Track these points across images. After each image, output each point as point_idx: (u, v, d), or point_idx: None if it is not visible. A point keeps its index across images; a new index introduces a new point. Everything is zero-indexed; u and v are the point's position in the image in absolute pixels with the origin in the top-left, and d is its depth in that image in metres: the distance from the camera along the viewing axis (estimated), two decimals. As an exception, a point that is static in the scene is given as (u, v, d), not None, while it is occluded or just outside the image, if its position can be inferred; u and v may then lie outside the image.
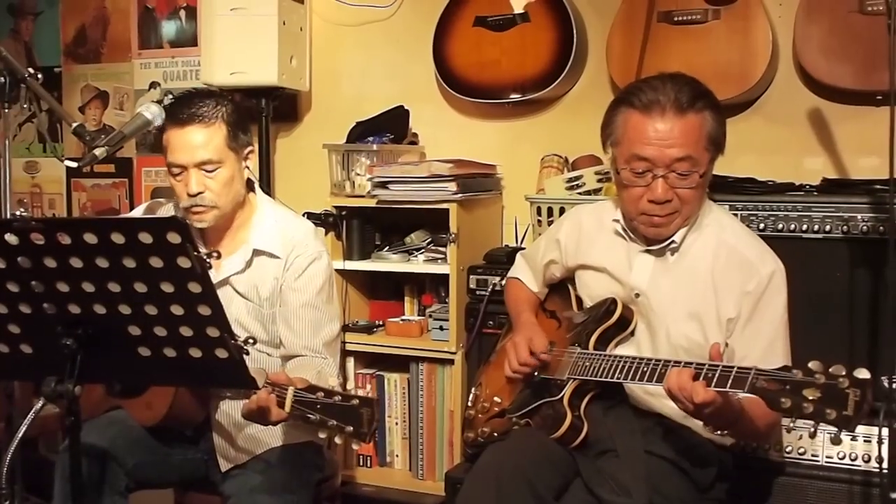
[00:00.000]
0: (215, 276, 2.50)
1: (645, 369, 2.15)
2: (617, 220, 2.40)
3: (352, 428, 2.00)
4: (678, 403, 2.02)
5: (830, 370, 1.79)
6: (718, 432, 2.16)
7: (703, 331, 2.27)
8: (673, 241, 2.30)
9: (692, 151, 2.19)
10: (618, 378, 2.22)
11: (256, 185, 2.69)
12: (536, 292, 2.70)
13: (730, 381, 1.93)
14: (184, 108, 2.48)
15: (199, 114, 2.46)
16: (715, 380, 1.97)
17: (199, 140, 2.45)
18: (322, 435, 2.04)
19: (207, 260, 1.77)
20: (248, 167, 2.59)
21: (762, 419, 2.12)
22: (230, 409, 2.53)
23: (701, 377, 1.98)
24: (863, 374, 1.77)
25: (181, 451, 2.62)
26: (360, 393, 2.06)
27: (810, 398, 1.79)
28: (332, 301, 2.66)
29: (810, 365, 1.82)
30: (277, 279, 2.57)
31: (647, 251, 2.35)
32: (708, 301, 2.27)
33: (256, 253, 2.57)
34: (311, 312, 2.57)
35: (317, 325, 2.57)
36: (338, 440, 2.04)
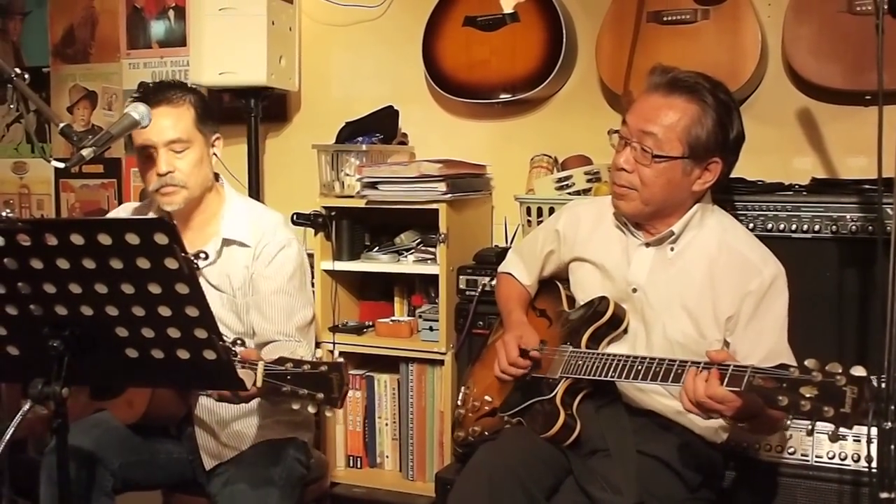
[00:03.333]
0: None
1: (639, 368, 2.15)
2: (617, 215, 2.41)
3: (322, 394, 1.99)
4: (703, 411, 1.99)
5: (827, 368, 1.79)
6: (740, 424, 2.13)
7: (699, 327, 2.27)
8: (671, 232, 2.31)
9: (660, 131, 2.23)
10: (611, 376, 2.22)
11: (223, 178, 2.73)
12: (528, 286, 2.70)
13: (726, 379, 1.94)
14: (154, 91, 2.56)
15: (168, 97, 2.54)
16: None
17: (168, 121, 2.51)
18: (295, 406, 2.03)
19: (195, 261, 1.76)
20: (215, 154, 2.65)
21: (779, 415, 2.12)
22: (211, 405, 2.54)
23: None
24: (859, 371, 1.77)
25: (166, 451, 2.62)
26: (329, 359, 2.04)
27: (807, 396, 1.79)
28: (305, 288, 2.68)
29: (806, 363, 1.82)
30: (248, 268, 2.60)
31: (647, 244, 2.36)
32: (705, 298, 2.28)
33: (226, 242, 2.60)
34: (283, 299, 2.58)
35: (289, 310, 2.58)
36: (311, 409, 2.02)
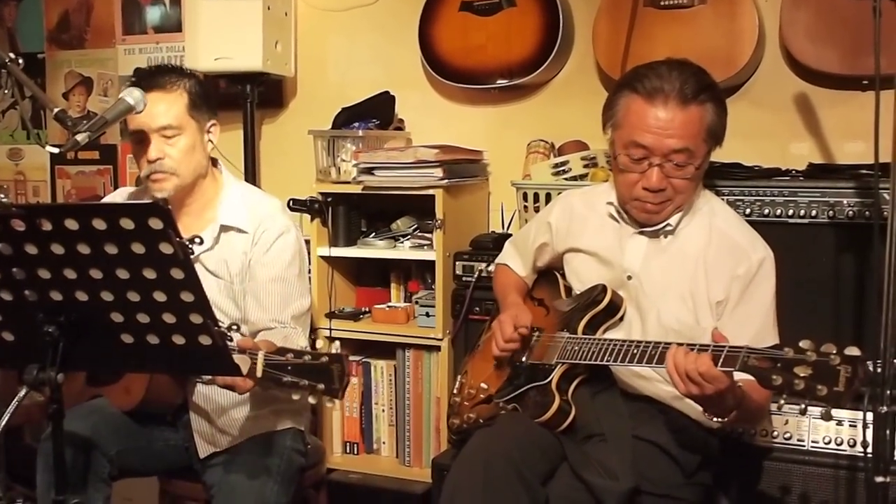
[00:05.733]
0: None
1: (635, 352, 2.15)
2: (611, 203, 2.41)
3: (323, 385, 1.99)
4: (681, 385, 2.00)
5: (821, 348, 1.81)
6: (718, 419, 2.14)
7: (695, 312, 2.28)
8: (668, 224, 2.31)
9: (690, 143, 2.20)
10: (607, 361, 2.22)
11: (221, 164, 2.71)
12: (524, 276, 2.70)
13: (721, 360, 1.94)
14: (147, 76, 2.55)
15: (160, 82, 2.52)
16: None
17: (160, 106, 2.50)
18: (296, 397, 2.03)
19: (190, 246, 1.76)
20: (211, 141, 2.63)
21: (760, 404, 2.13)
22: (208, 392, 2.53)
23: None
24: (853, 351, 1.78)
25: (162, 438, 2.63)
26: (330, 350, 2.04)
27: (801, 375, 1.81)
28: (303, 276, 2.67)
29: (801, 343, 1.83)
30: (246, 254, 2.58)
31: (641, 233, 2.36)
32: (699, 283, 2.28)
33: (224, 229, 2.59)
34: (280, 286, 2.57)
35: (286, 299, 2.57)
36: (311, 400, 2.03)
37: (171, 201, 2.52)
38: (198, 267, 2.51)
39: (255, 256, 2.58)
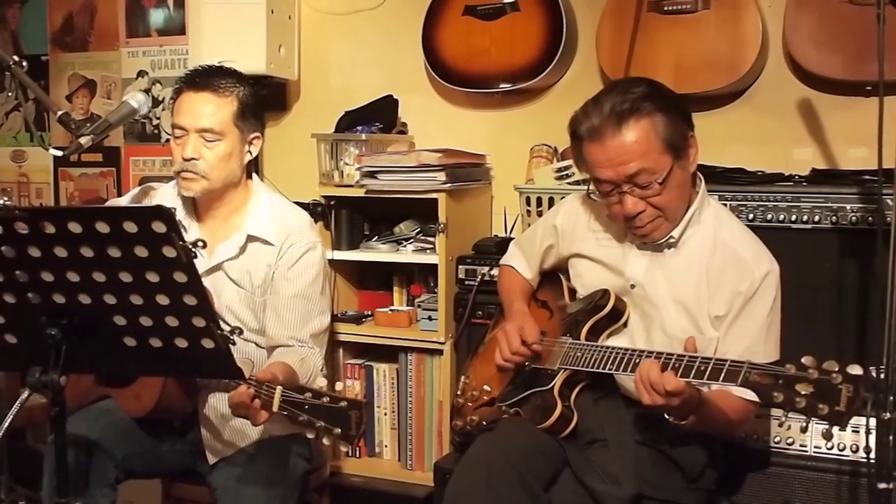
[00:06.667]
0: (209, 261, 2.52)
1: (637, 361, 2.14)
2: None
3: (339, 430, 2.00)
4: (644, 396, 2.01)
5: (823, 365, 1.80)
6: (682, 422, 2.13)
7: (697, 323, 2.27)
8: (671, 237, 2.30)
9: (645, 162, 2.18)
10: (609, 369, 2.22)
11: (254, 173, 2.70)
12: (529, 279, 2.70)
13: (722, 375, 1.94)
14: (203, 74, 2.54)
15: (215, 84, 2.52)
16: (707, 373, 1.97)
17: (207, 108, 2.49)
18: (310, 435, 2.04)
19: (193, 249, 1.76)
20: (250, 152, 2.62)
21: (728, 412, 2.13)
22: (218, 403, 2.52)
23: (693, 371, 1.99)
24: (855, 369, 1.77)
25: (169, 443, 2.61)
26: (349, 393, 2.04)
27: (803, 393, 1.80)
28: (325, 293, 2.66)
29: (803, 360, 1.82)
30: (270, 266, 2.57)
31: (643, 245, 2.35)
32: (700, 295, 2.27)
33: (250, 239, 2.57)
34: (301, 303, 2.56)
35: (306, 316, 2.57)
36: (325, 441, 2.04)
37: (199, 203, 2.54)
38: (220, 274, 2.54)
39: (279, 270, 2.57)
